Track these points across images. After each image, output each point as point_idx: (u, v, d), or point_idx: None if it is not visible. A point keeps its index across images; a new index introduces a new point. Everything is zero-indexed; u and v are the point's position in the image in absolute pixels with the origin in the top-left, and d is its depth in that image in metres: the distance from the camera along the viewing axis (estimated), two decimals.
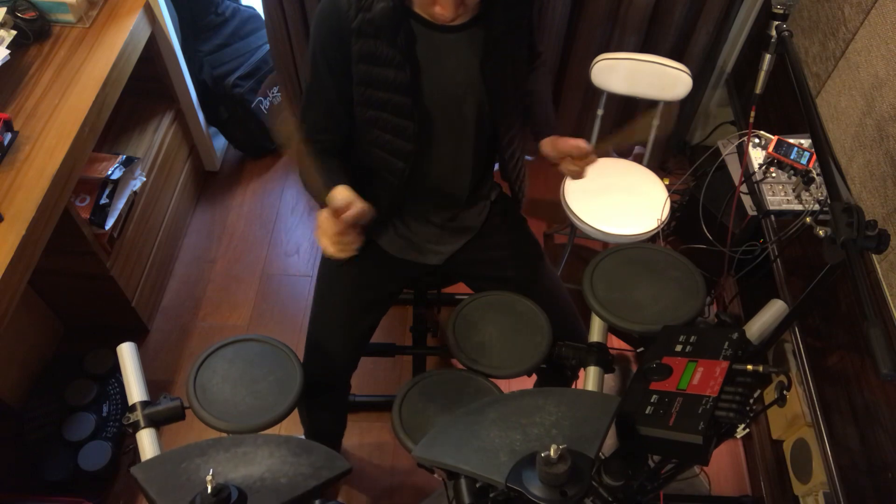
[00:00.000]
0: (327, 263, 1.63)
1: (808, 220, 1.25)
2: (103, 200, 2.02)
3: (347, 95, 1.36)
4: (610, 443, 1.04)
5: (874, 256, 1.53)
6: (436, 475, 1.21)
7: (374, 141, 1.41)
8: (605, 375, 1.50)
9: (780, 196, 1.70)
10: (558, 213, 2.19)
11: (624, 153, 2.80)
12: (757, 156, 1.75)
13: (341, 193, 1.29)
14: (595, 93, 2.27)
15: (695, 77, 2.12)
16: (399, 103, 1.32)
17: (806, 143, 1.73)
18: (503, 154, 1.52)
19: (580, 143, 1.38)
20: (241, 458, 1.12)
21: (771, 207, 1.68)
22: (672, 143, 2.79)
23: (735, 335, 1.16)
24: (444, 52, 1.31)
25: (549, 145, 1.46)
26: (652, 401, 1.10)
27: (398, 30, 1.25)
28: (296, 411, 1.43)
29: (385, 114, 1.35)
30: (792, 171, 1.71)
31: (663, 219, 2.07)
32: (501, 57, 1.34)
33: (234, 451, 1.13)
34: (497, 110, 1.40)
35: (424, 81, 1.32)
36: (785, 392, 1.16)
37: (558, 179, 2.21)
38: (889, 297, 1.47)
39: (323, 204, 1.31)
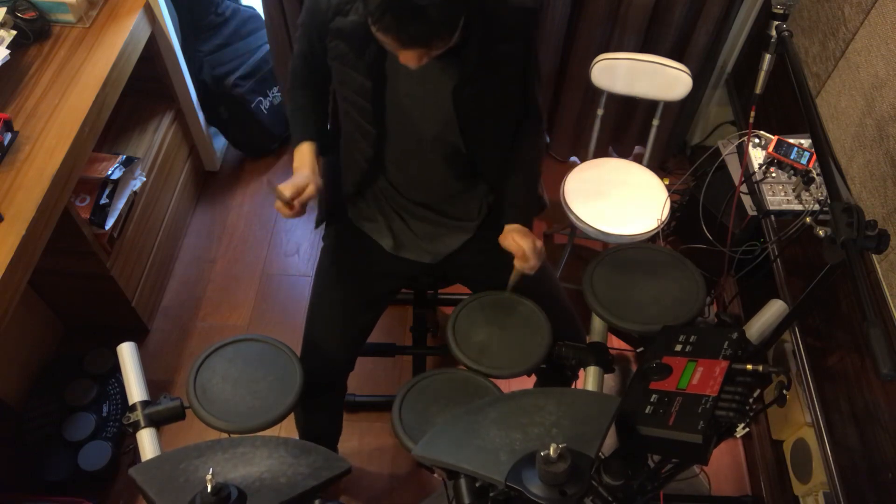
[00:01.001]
0: (325, 261, 1.64)
1: (808, 220, 1.25)
2: (103, 200, 2.02)
3: (317, 67, 1.43)
4: (610, 442, 1.04)
5: (874, 256, 1.53)
6: (436, 475, 1.21)
7: (347, 133, 1.48)
8: (605, 375, 1.50)
9: (780, 196, 1.70)
10: (558, 213, 2.19)
11: (624, 153, 2.80)
12: (757, 156, 1.75)
13: (302, 172, 1.42)
14: (595, 93, 2.28)
15: (695, 77, 2.12)
16: (363, 107, 1.37)
17: (806, 143, 1.73)
18: (486, 180, 1.54)
19: (523, 245, 1.40)
20: (240, 458, 1.12)
21: (771, 207, 1.68)
22: (672, 143, 2.79)
23: (735, 335, 1.17)
24: (416, 72, 1.30)
25: (503, 236, 1.46)
26: (652, 400, 1.10)
27: (368, 44, 1.27)
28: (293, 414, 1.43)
29: (353, 112, 1.40)
30: (792, 171, 1.71)
31: (663, 219, 2.07)
32: (479, 91, 1.33)
33: (233, 452, 1.13)
34: (469, 140, 1.41)
35: (389, 94, 1.34)
36: (785, 392, 1.16)
37: (558, 179, 2.21)
38: (889, 297, 1.47)
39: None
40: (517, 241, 1.41)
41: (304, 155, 1.46)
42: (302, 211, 1.37)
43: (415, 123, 1.38)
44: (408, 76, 1.32)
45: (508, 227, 1.47)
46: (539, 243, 1.42)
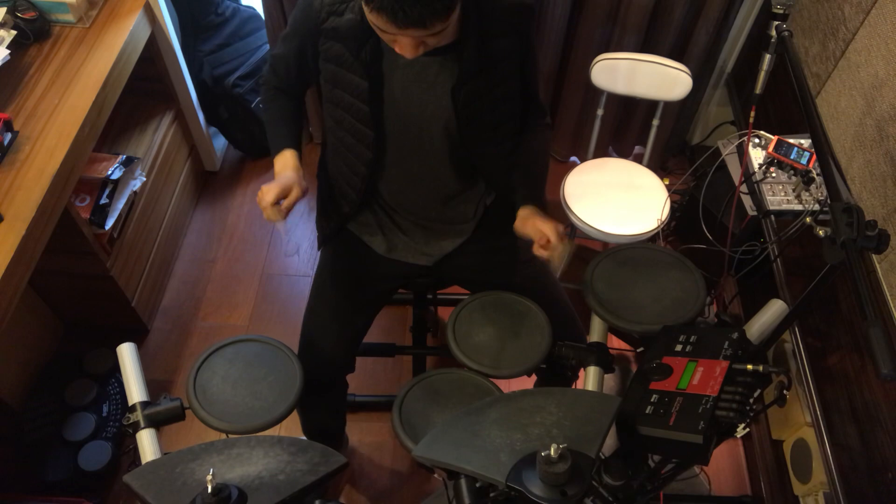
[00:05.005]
0: (323, 263, 1.64)
1: (808, 220, 1.25)
2: (103, 200, 2.02)
3: (306, 70, 1.41)
4: (610, 443, 1.04)
5: (874, 256, 1.53)
6: (436, 475, 1.21)
7: (340, 140, 1.44)
8: (605, 375, 1.50)
9: (780, 196, 1.70)
10: (558, 213, 2.19)
11: (624, 153, 2.80)
12: (757, 156, 1.75)
13: (287, 173, 1.35)
14: (595, 93, 2.28)
15: (695, 77, 2.12)
16: (360, 110, 1.34)
17: (806, 143, 1.73)
18: (485, 178, 1.53)
19: (546, 230, 1.30)
20: (236, 459, 1.12)
21: (771, 207, 1.68)
22: (672, 143, 2.79)
23: (735, 335, 1.16)
24: (413, 71, 1.29)
25: (520, 221, 1.38)
26: (652, 400, 1.10)
27: (364, 43, 1.26)
28: (295, 411, 1.43)
29: (349, 116, 1.37)
30: (792, 171, 1.71)
31: (663, 219, 2.07)
32: (478, 88, 1.31)
33: (228, 454, 1.13)
34: (469, 139, 1.39)
35: (386, 95, 1.32)
36: (785, 392, 1.16)
37: (558, 179, 2.21)
38: (889, 297, 1.47)
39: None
40: (538, 225, 1.32)
41: (287, 160, 1.39)
42: (285, 214, 1.31)
43: (413, 123, 1.36)
44: (405, 76, 1.30)
45: (523, 212, 1.38)
46: (560, 227, 1.32)
